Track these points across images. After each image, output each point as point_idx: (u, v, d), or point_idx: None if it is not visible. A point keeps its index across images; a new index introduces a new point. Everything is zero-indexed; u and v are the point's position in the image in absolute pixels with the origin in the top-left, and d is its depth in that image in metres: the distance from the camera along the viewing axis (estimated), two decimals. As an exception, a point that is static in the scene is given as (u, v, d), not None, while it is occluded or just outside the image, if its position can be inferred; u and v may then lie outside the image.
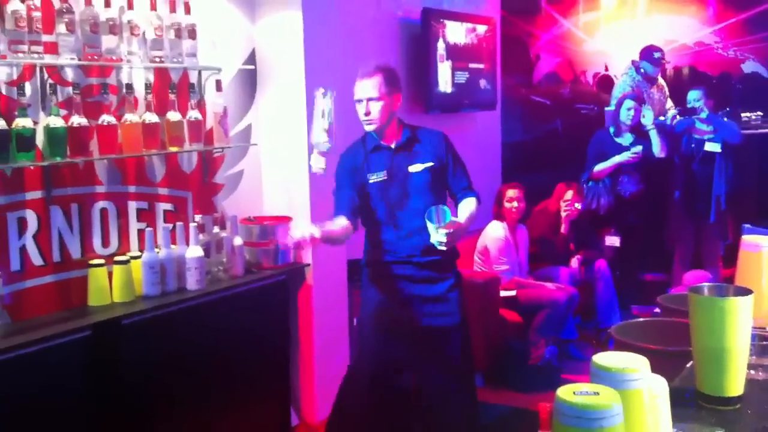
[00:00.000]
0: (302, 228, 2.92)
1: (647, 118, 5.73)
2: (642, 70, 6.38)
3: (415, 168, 3.28)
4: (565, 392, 1.32)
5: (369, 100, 3.22)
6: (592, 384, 1.41)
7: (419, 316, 3.31)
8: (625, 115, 5.76)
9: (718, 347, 1.85)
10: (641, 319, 3.09)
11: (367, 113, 3.23)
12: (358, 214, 3.32)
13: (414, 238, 3.26)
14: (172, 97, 3.64)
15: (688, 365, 2.12)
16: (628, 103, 5.79)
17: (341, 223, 3.20)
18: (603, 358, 1.50)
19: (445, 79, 5.73)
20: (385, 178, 3.28)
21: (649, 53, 6.38)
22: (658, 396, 1.53)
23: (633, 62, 6.52)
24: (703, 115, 5.62)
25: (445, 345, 3.34)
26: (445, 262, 3.32)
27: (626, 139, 5.80)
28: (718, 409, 1.86)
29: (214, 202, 4.05)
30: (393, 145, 3.32)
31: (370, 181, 3.30)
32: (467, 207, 3.34)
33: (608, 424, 1.29)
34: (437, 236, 3.00)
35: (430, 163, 3.30)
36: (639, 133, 5.83)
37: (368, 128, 3.28)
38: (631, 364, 1.46)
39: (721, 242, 5.79)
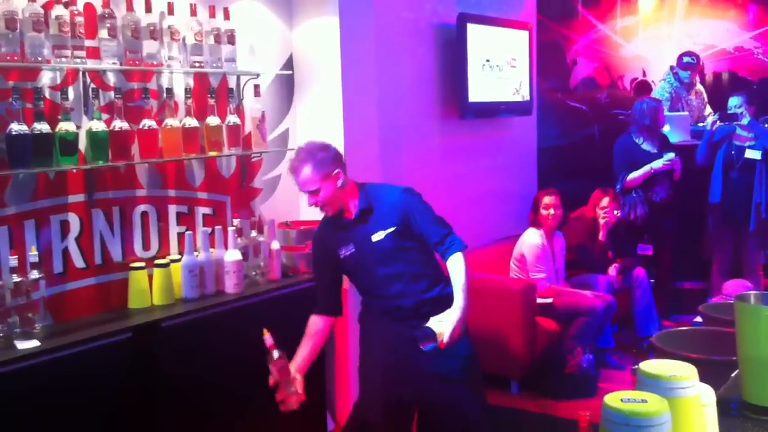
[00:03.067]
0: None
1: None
2: (678, 76, 6.33)
3: (378, 237, 3.03)
4: (613, 399, 1.31)
5: (310, 193, 3.01)
6: (639, 392, 1.39)
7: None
8: (644, 120, 5.71)
9: (764, 356, 1.82)
10: (683, 328, 3.04)
11: (316, 204, 3.05)
12: (339, 299, 3.21)
13: (398, 301, 3.09)
14: (211, 101, 3.67)
15: (733, 375, 2.08)
16: (643, 107, 5.76)
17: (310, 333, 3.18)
18: (651, 366, 1.48)
19: (480, 84, 5.71)
20: (353, 250, 3.06)
21: (680, 58, 6.35)
22: (707, 405, 1.51)
23: (671, 68, 6.45)
24: (744, 121, 5.54)
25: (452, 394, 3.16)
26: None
27: (648, 144, 5.74)
28: (764, 420, 1.83)
29: (252, 206, 4.07)
30: (353, 218, 3.09)
31: (342, 257, 3.09)
32: (457, 277, 3.04)
33: (657, 432, 1.27)
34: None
35: (392, 228, 3.02)
36: (661, 141, 5.78)
37: (328, 214, 3.12)
38: (680, 371, 1.44)
39: (762, 251, 5.69)
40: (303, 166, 2.98)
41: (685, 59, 6.38)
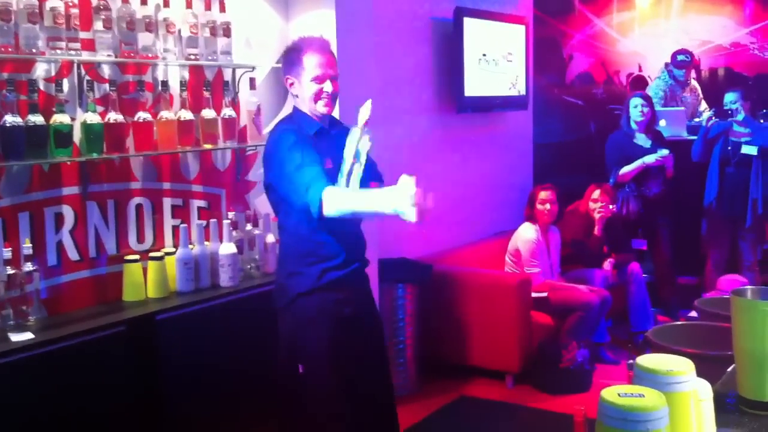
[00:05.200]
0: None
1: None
2: (673, 74, 6.33)
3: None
4: (610, 394, 1.30)
5: (333, 78, 2.85)
6: (636, 386, 1.39)
7: None
8: (636, 114, 5.71)
9: (760, 351, 1.82)
10: (678, 323, 3.04)
11: (332, 94, 2.85)
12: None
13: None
14: (206, 94, 3.66)
15: (729, 369, 2.08)
16: (635, 100, 5.75)
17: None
18: (648, 360, 1.47)
19: (476, 78, 5.70)
20: (331, 166, 2.83)
21: (674, 56, 6.35)
22: (704, 399, 1.51)
23: (666, 65, 6.45)
24: (740, 117, 5.54)
25: None
26: None
27: (641, 139, 5.74)
28: (760, 414, 1.83)
29: (247, 199, 4.06)
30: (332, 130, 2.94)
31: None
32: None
33: (654, 427, 1.27)
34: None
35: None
36: (655, 136, 5.78)
37: (323, 110, 2.87)
38: (677, 366, 1.43)
39: (757, 247, 5.70)
40: (330, 47, 2.89)
41: (680, 57, 6.38)
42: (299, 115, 2.92)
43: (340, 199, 2.66)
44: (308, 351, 2.84)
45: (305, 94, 2.87)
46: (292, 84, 2.93)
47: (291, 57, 2.92)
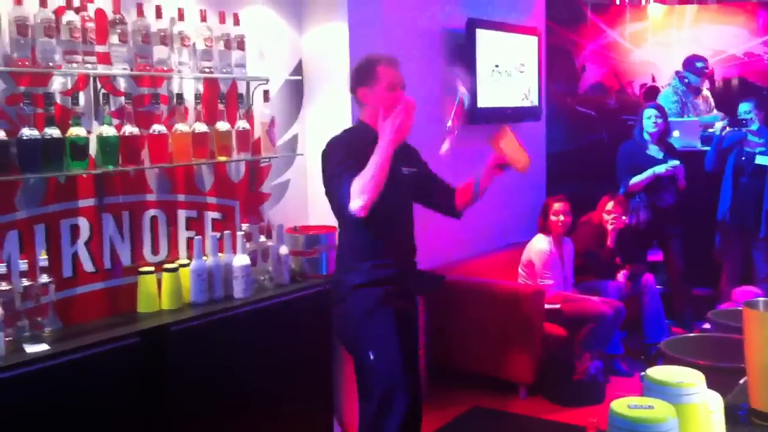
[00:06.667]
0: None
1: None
2: (686, 81, 6.30)
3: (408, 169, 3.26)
4: (620, 405, 1.31)
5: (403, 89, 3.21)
6: (646, 398, 1.39)
7: None
8: (649, 125, 5.69)
9: (773, 363, 1.81)
10: (691, 335, 3.03)
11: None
12: None
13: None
14: (221, 107, 3.69)
15: (741, 381, 2.08)
16: (649, 111, 5.73)
17: None
18: (658, 372, 1.47)
19: (489, 89, 5.71)
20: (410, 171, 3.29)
21: (691, 63, 6.31)
22: (714, 411, 1.51)
23: (677, 72, 6.44)
24: (754, 127, 5.52)
25: None
26: None
27: (654, 150, 5.72)
28: (772, 427, 1.82)
29: (261, 211, 4.09)
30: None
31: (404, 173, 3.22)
32: None
33: (663, 439, 1.27)
34: None
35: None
36: (667, 148, 5.76)
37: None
38: (687, 378, 1.43)
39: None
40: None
41: (699, 64, 6.36)
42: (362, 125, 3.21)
43: (360, 177, 2.85)
44: (376, 338, 3.06)
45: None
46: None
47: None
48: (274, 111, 4.02)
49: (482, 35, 5.59)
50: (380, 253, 3.10)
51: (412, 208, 3.29)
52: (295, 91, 4.30)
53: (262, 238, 3.90)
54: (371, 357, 3.04)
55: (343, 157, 2.97)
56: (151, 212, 3.54)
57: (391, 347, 3.05)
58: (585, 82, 7.24)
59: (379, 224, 3.01)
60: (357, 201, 2.84)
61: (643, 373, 1.59)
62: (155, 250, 3.57)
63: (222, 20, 3.70)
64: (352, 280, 3.09)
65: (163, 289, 3.43)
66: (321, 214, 4.29)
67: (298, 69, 4.30)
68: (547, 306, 4.95)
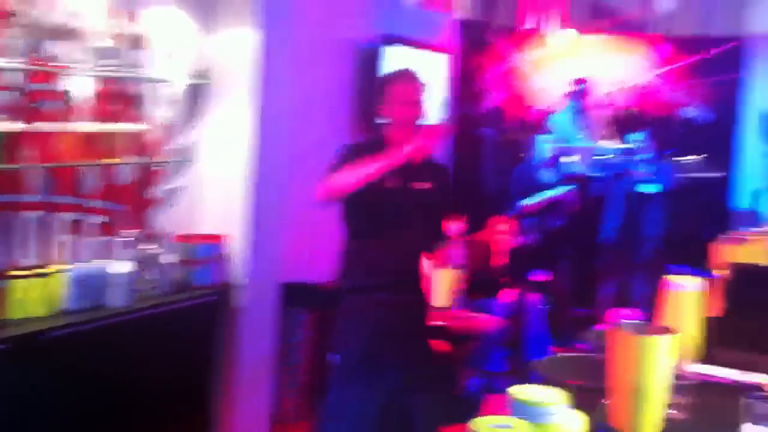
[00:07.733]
0: None
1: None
2: (572, 103, 6.52)
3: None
4: (477, 424, 1.33)
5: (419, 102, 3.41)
6: (508, 417, 1.42)
7: None
8: (542, 150, 5.87)
9: (633, 385, 1.88)
10: (565, 354, 3.13)
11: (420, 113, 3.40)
12: None
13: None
14: (116, 107, 3.58)
15: (604, 401, 2.15)
16: (543, 137, 5.93)
17: None
18: (520, 391, 1.51)
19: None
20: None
21: (574, 85, 6.54)
22: (574, 431, 1.55)
23: (564, 95, 6.64)
24: (644, 156, 5.74)
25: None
26: None
27: (546, 174, 5.90)
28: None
29: (149, 217, 3.96)
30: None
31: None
32: None
33: (519, 458, 1.30)
34: None
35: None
36: (559, 172, 5.94)
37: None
38: (547, 398, 1.47)
39: (649, 283, 5.90)
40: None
41: (579, 86, 6.59)
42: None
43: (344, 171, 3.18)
44: (346, 345, 3.33)
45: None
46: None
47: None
48: (174, 114, 3.91)
49: (392, 52, 5.64)
50: (371, 261, 3.31)
51: (425, 223, 3.49)
52: (198, 95, 4.19)
53: (148, 245, 3.79)
54: (336, 360, 3.29)
55: (344, 157, 3.25)
56: (29, 214, 3.38)
57: (353, 360, 3.28)
58: (485, 106, 7.39)
59: (375, 233, 3.27)
60: (323, 186, 3.12)
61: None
62: (32, 254, 3.40)
63: (125, 18, 3.58)
64: (344, 284, 3.36)
65: (36, 295, 3.27)
66: (213, 222, 4.20)
67: (205, 74, 4.19)
68: (431, 323, 4.98)
